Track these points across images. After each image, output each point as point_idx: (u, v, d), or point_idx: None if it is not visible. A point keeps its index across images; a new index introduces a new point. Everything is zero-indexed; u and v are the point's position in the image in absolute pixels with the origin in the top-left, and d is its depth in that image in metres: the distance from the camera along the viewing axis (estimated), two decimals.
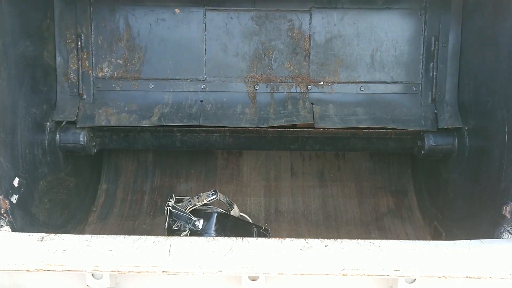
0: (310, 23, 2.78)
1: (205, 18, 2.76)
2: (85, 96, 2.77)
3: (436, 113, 2.74)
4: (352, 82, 2.80)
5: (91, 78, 2.77)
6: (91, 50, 2.75)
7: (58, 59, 2.72)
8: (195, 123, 2.74)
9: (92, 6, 2.71)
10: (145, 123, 2.73)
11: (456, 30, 2.70)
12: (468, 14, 2.64)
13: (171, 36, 2.77)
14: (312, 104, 2.78)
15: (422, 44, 2.76)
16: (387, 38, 2.78)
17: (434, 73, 2.73)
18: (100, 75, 2.78)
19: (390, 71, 2.79)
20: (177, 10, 2.72)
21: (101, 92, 2.79)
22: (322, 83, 2.80)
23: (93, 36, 2.74)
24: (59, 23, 2.69)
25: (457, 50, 2.72)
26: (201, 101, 2.79)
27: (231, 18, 2.78)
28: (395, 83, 2.80)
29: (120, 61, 2.78)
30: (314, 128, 2.79)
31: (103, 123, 2.74)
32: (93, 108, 2.77)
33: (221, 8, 2.76)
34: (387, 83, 2.80)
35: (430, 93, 2.75)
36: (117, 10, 2.74)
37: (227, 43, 2.80)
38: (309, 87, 2.80)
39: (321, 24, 2.78)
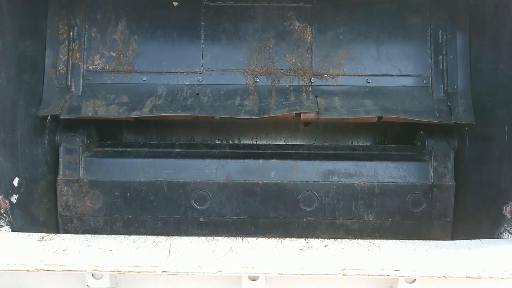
0: (312, 17, 2.68)
1: (203, 10, 2.68)
2: (73, 88, 2.61)
3: (449, 105, 2.60)
4: (358, 75, 2.67)
5: (81, 70, 2.64)
6: (84, 42, 2.62)
7: (48, 50, 2.59)
8: (190, 113, 2.54)
9: None
10: (135, 114, 2.52)
11: (463, 21, 2.63)
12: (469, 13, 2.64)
13: (169, 28, 2.68)
14: (316, 96, 2.61)
15: (429, 36, 2.68)
16: (392, 31, 2.69)
17: (444, 64, 2.64)
18: (91, 67, 2.64)
19: (397, 64, 2.69)
20: (175, 3, 2.65)
21: (90, 85, 2.64)
22: (326, 75, 2.67)
23: (86, 27, 2.63)
24: (52, 14, 2.59)
25: (466, 40, 2.63)
26: (197, 94, 2.63)
27: (230, 10, 2.69)
28: (403, 76, 2.69)
29: (113, 54, 2.65)
30: (314, 145, 2.73)
31: (90, 114, 2.52)
32: (80, 100, 2.59)
33: (220, 3, 2.69)
34: (395, 76, 2.68)
35: (442, 85, 2.64)
36: (115, 1, 2.65)
37: (225, 36, 2.71)
38: (312, 80, 2.67)
39: (323, 17, 2.69)
